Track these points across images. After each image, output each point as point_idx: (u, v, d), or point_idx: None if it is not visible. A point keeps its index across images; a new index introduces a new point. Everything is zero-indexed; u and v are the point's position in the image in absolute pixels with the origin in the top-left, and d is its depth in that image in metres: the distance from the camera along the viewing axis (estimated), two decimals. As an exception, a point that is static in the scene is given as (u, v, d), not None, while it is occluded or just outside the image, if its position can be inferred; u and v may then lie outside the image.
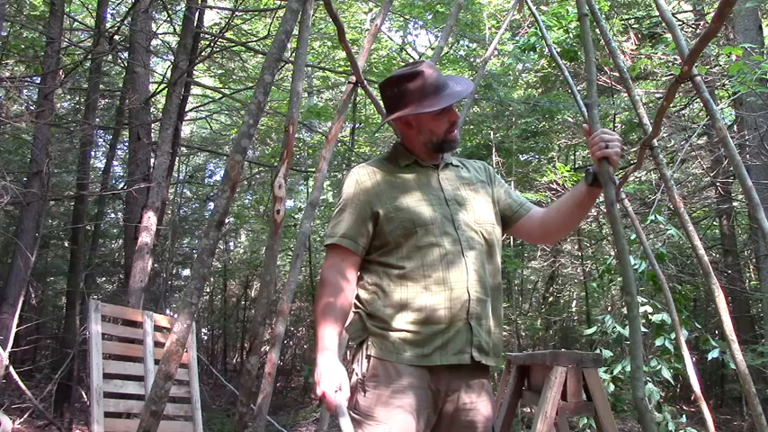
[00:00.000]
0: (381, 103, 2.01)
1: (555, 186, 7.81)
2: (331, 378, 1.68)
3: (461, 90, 1.89)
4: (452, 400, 1.78)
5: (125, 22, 8.16)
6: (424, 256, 1.76)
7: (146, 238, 6.21)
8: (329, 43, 10.55)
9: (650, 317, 4.83)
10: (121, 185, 9.60)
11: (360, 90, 3.42)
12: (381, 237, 1.81)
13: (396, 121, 1.94)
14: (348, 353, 1.88)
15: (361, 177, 1.89)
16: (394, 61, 10.40)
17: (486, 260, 1.82)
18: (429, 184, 1.87)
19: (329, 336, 1.74)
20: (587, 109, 1.88)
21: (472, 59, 9.61)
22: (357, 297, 1.86)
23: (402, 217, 1.78)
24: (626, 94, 5.95)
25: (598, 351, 4.75)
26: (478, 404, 1.80)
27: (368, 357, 1.76)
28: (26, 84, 8.11)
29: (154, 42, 9.46)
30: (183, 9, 8.11)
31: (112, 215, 12.27)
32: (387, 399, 1.70)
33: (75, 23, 10.11)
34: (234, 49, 9.36)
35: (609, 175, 1.73)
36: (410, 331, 1.73)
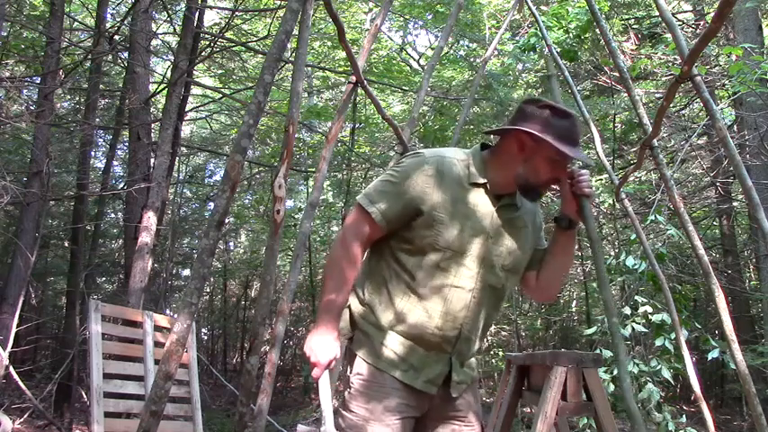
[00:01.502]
0: (516, 114, 1.83)
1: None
2: (327, 351, 1.70)
3: (585, 158, 1.93)
4: (441, 413, 1.80)
5: (125, 22, 8.15)
6: (437, 277, 1.73)
7: (146, 238, 6.21)
8: (329, 43, 10.54)
9: (650, 317, 4.83)
10: (121, 185, 9.60)
11: (360, 90, 3.42)
12: (411, 232, 1.75)
13: (511, 137, 1.79)
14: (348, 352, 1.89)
15: (431, 167, 1.75)
16: (394, 61, 10.41)
17: (492, 304, 1.82)
18: (483, 215, 1.77)
19: (335, 303, 1.74)
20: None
21: (472, 59, 9.62)
22: (360, 283, 1.83)
23: (439, 230, 1.72)
24: (626, 94, 5.96)
25: (598, 351, 4.75)
26: (467, 423, 1.83)
27: (354, 356, 1.78)
28: (26, 84, 8.10)
29: (154, 42, 9.46)
30: (183, 9, 8.11)
31: (112, 215, 12.26)
32: (368, 399, 1.72)
33: (76, 23, 10.10)
34: (234, 49, 9.36)
35: (590, 210, 1.86)
36: (395, 341, 1.74)
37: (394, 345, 1.74)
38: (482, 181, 1.78)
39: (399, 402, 1.72)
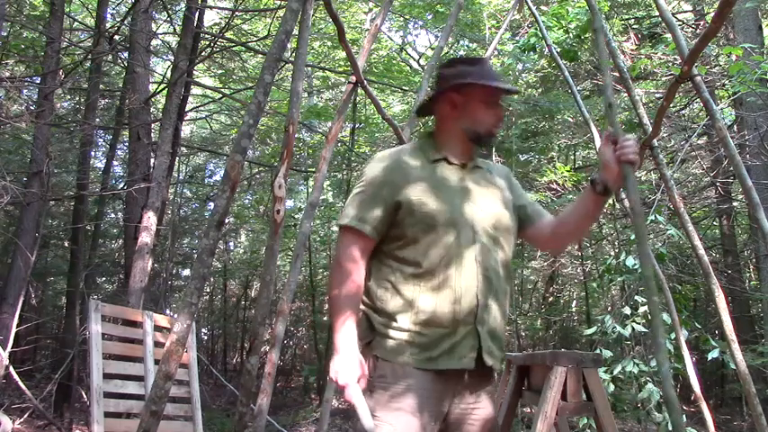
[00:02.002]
0: (437, 83, 1.94)
1: (555, 186, 7.81)
2: (352, 370, 1.69)
3: (511, 87, 1.96)
4: (458, 405, 1.79)
5: (125, 22, 8.16)
6: (439, 255, 1.74)
7: (146, 238, 6.21)
8: (329, 43, 10.54)
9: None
10: (121, 185, 9.60)
11: (360, 90, 3.42)
12: (400, 228, 1.78)
13: (441, 103, 1.89)
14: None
15: (390, 163, 1.83)
16: (394, 61, 10.41)
17: (499, 266, 1.82)
18: (455, 183, 1.84)
19: (348, 324, 1.73)
20: (609, 109, 1.86)
21: (472, 59, 9.59)
22: (367, 292, 1.83)
23: (424, 212, 1.75)
24: (626, 94, 5.95)
25: (598, 351, 4.75)
26: (482, 407, 1.82)
27: (375, 357, 1.76)
28: (26, 84, 8.10)
29: (154, 42, 9.46)
30: (183, 9, 8.11)
31: (112, 215, 12.26)
32: (393, 401, 1.71)
33: (76, 23, 10.10)
34: (234, 49, 9.36)
35: (634, 179, 1.76)
36: (417, 332, 1.73)
37: (415, 336, 1.73)
38: (440, 156, 1.86)
39: (417, 385, 1.71)
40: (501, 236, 1.83)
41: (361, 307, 1.83)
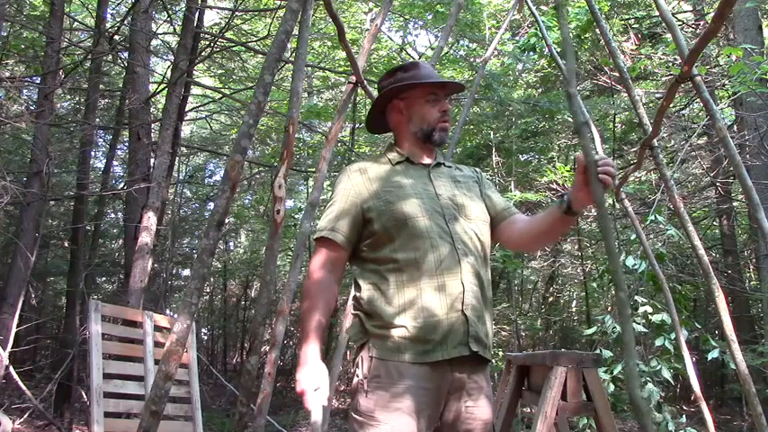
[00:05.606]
0: (381, 97, 2.05)
1: (555, 186, 7.81)
2: (312, 378, 1.72)
3: (449, 81, 2.03)
4: (454, 404, 1.79)
5: (125, 22, 8.16)
6: (416, 249, 1.77)
7: (146, 238, 6.21)
8: (329, 43, 10.55)
9: (650, 317, 4.83)
10: (121, 185, 9.59)
11: (360, 90, 3.42)
12: (373, 231, 1.83)
13: (390, 113, 2.00)
14: (348, 353, 1.89)
15: (353, 174, 1.92)
16: (394, 61, 10.41)
17: (477, 254, 1.84)
18: (420, 179, 1.90)
19: (313, 337, 1.77)
20: (581, 128, 1.72)
21: (472, 59, 9.62)
22: (355, 298, 1.86)
23: (393, 209, 1.81)
24: (626, 94, 5.96)
25: (598, 351, 4.75)
26: (478, 407, 1.82)
27: (370, 358, 1.76)
28: (26, 84, 8.10)
29: (154, 42, 9.46)
30: (183, 9, 8.11)
31: (112, 215, 12.27)
32: (388, 400, 1.71)
33: (76, 23, 10.10)
34: (234, 49, 9.36)
35: (603, 195, 1.63)
36: (410, 326, 1.73)
37: (408, 331, 1.73)
38: (403, 158, 1.96)
39: (413, 383, 1.71)
40: (475, 224, 1.87)
41: (354, 312, 1.86)
